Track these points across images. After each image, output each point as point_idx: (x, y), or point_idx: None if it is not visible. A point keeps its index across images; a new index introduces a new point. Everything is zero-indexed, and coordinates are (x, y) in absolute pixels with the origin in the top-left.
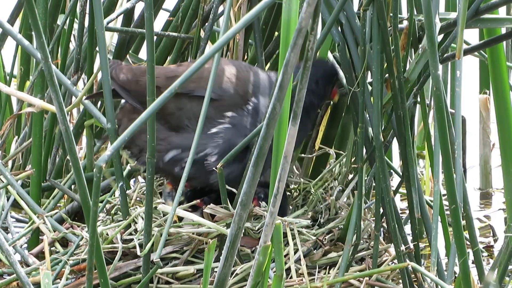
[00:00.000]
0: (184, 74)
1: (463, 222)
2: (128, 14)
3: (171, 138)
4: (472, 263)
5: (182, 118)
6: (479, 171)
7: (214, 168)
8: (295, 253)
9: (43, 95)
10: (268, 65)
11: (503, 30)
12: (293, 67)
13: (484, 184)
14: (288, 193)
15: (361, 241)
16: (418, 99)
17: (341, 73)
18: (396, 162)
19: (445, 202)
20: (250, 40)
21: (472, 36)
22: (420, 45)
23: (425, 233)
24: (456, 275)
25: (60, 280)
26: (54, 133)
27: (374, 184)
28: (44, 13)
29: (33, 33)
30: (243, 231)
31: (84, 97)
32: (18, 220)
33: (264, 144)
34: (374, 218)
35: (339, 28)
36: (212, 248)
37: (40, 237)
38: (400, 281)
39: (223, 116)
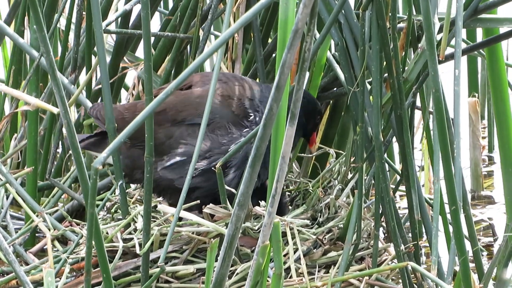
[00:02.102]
0: (182, 74)
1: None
2: (126, 14)
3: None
4: (472, 262)
5: (172, 144)
6: (470, 173)
7: (213, 168)
8: (294, 252)
9: (38, 93)
10: (267, 65)
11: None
12: (290, 68)
13: (475, 186)
14: (287, 192)
15: (361, 241)
16: (418, 101)
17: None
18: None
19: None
20: (247, 45)
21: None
22: (419, 45)
23: (424, 232)
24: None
25: (60, 278)
26: (53, 131)
27: (373, 182)
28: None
29: (25, 30)
30: (243, 230)
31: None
32: (17, 218)
33: (261, 145)
34: (374, 218)
35: (338, 28)
36: (215, 247)
37: (36, 235)
38: (400, 280)
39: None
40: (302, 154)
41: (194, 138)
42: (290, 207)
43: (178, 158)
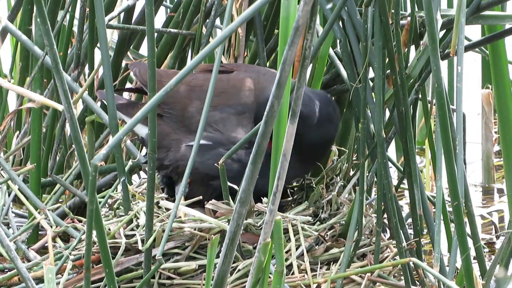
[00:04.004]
0: (184, 69)
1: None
2: (128, 10)
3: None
4: (474, 259)
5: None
6: (481, 166)
7: (216, 164)
8: (296, 249)
9: (42, 90)
10: (269, 61)
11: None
12: (290, 65)
13: (487, 179)
14: (290, 190)
15: (363, 237)
16: (420, 96)
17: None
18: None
19: (446, 198)
20: (250, 37)
21: (474, 32)
22: (421, 41)
23: (426, 229)
24: (458, 271)
25: (62, 275)
26: (55, 129)
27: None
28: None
29: (31, 27)
30: (246, 227)
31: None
32: (19, 216)
33: (263, 142)
34: (375, 214)
35: (341, 24)
36: (215, 243)
37: (40, 233)
38: (402, 277)
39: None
40: None
41: (225, 126)
42: (292, 205)
43: (203, 142)
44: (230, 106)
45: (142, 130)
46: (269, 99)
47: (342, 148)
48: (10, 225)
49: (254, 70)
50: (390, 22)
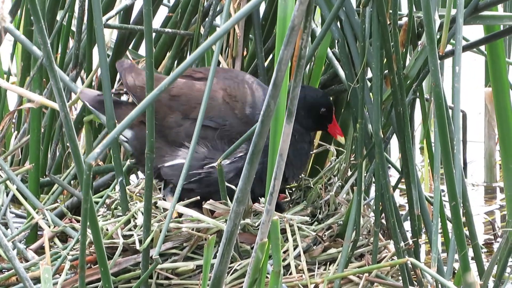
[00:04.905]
0: (181, 66)
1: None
2: (127, 10)
3: (175, 151)
4: (472, 259)
5: (180, 135)
6: (484, 164)
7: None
8: (294, 249)
9: (42, 90)
10: (268, 61)
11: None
12: (286, 64)
13: (489, 177)
14: (290, 190)
15: (361, 237)
16: (418, 95)
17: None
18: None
19: (444, 198)
20: (250, 35)
21: (474, 32)
22: (419, 42)
23: (424, 229)
24: (455, 271)
25: (60, 275)
26: (54, 128)
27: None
28: (42, 8)
29: (33, 28)
30: (243, 227)
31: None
32: (18, 216)
33: (259, 142)
34: (373, 214)
35: (339, 25)
36: (212, 244)
37: (38, 233)
38: (400, 277)
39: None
40: None
41: (202, 139)
42: (290, 205)
43: (179, 161)
44: (210, 118)
45: (126, 133)
46: (248, 112)
47: (340, 148)
48: (8, 225)
49: (230, 77)
50: (388, 22)
